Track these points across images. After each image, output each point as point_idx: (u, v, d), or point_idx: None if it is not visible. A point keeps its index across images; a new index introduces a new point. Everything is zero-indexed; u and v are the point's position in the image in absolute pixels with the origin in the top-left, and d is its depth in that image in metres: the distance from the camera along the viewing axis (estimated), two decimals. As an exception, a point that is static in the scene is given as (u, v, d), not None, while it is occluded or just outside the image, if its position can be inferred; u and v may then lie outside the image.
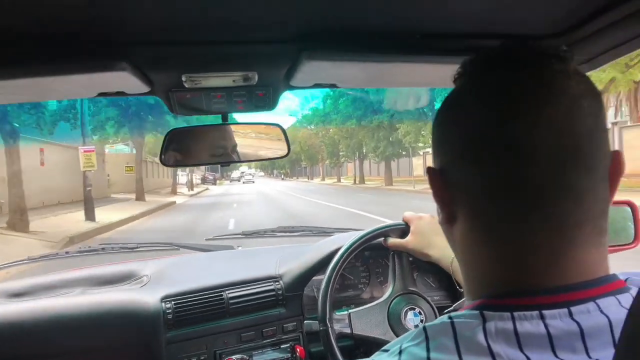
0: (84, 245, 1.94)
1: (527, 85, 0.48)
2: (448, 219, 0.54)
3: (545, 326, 0.44)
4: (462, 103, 0.52)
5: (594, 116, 0.48)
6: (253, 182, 54.92)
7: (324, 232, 2.13)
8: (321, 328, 1.28)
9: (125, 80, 0.92)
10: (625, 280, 0.50)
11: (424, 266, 1.59)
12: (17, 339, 1.34)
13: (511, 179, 0.47)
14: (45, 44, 0.82)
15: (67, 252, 1.90)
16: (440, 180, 0.54)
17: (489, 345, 0.44)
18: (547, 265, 0.47)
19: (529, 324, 0.45)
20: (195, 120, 1.41)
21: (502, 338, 0.44)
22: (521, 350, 0.44)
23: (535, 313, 0.45)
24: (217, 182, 58.61)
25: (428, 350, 0.46)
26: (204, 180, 49.20)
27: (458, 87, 0.54)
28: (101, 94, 1.02)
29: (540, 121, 0.46)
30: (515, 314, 0.45)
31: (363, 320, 1.33)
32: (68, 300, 1.46)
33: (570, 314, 0.45)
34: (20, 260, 1.87)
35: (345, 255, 1.35)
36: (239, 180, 58.43)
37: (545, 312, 0.45)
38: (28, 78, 0.85)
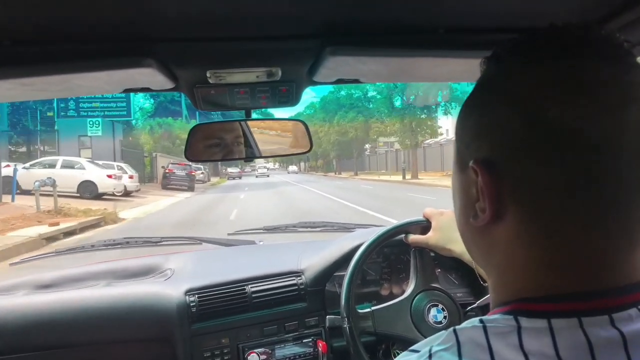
0: (109, 239, 1.97)
1: (613, 79, 0.44)
2: (493, 218, 0.47)
3: (585, 334, 0.42)
4: (523, 89, 0.45)
5: None
6: (267, 175, 52.00)
7: (345, 228, 2.13)
8: (345, 325, 1.28)
9: (150, 77, 0.93)
10: None
11: (446, 263, 1.58)
12: (43, 329, 1.37)
13: (590, 178, 0.43)
14: (73, 42, 0.83)
15: (92, 246, 1.94)
16: (489, 174, 0.46)
17: (524, 353, 0.42)
18: (603, 270, 0.44)
19: (567, 332, 0.42)
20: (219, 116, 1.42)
21: (538, 346, 0.42)
22: (559, 359, 0.41)
23: (573, 320, 0.42)
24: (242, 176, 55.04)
25: (460, 355, 0.44)
26: (229, 177, 44.65)
27: (510, 69, 0.48)
28: (127, 90, 1.03)
29: (627, 120, 0.42)
30: (553, 320, 0.42)
31: (386, 317, 1.33)
32: (94, 292, 1.49)
33: (612, 321, 0.42)
34: (48, 253, 1.91)
35: (367, 251, 1.35)
36: (268, 175, 53.48)
37: (585, 319, 0.42)
38: (56, 75, 0.87)
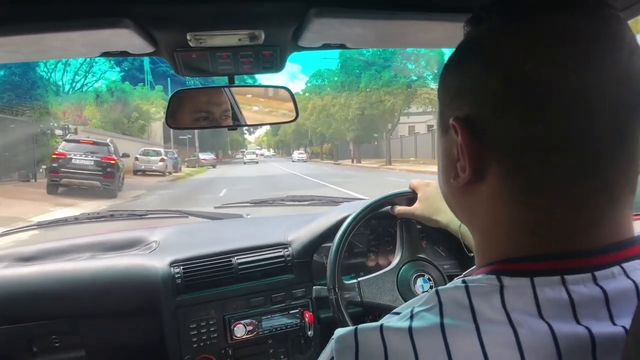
0: (94, 211, 1.94)
1: (590, 33, 0.43)
2: (474, 177, 0.47)
3: (567, 292, 0.42)
4: (502, 46, 0.45)
5: None
6: (256, 162, 45.36)
7: (333, 201, 2.12)
8: (331, 296, 1.28)
9: (128, 39, 0.90)
10: None
11: (433, 235, 1.58)
12: (26, 302, 1.36)
13: (570, 133, 0.42)
14: (46, 0, 0.79)
15: (76, 218, 1.91)
16: (468, 132, 0.46)
17: (506, 312, 0.42)
18: (585, 228, 0.44)
19: (550, 290, 0.42)
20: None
21: (520, 304, 0.42)
22: (541, 317, 0.41)
23: (556, 278, 0.42)
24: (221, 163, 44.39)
25: (442, 315, 0.44)
26: (199, 164, 35.65)
27: (490, 28, 0.47)
28: (104, 54, 1.00)
29: (604, 73, 0.42)
30: (535, 279, 0.42)
31: (372, 287, 1.33)
32: (77, 265, 1.47)
33: (595, 279, 0.42)
34: (30, 226, 1.88)
35: (353, 223, 1.34)
36: (257, 162, 46.49)
37: (568, 277, 0.42)
38: (28, 35, 0.83)
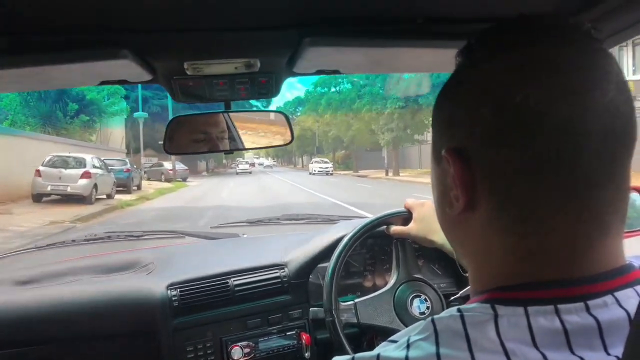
0: (91, 233, 1.95)
1: (578, 63, 0.44)
2: (467, 207, 0.48)
3: (561, 321, 0.42)
4: (491, 77, 0.46)
5: (632, 99, 0.45)
6: (249, 172, 42.41)
7: (329, 219, 2.13)
8: (328, 318, 1.28)
9: (127, 69, 0.92)
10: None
11: (429, 254, 1.58)
12: (24, 326, 1.35)
13: (560, 162, 0.42)
14: (46, 33, 0.81)
15: (73, 240, 1.92)
16: (461, 163, 0.47)
17: (501, 342, 0.42)
18: (577, 257, 0.44)
19: (544, 319, 0.42)
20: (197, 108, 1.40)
21: (515, 334, 0.42)
22: (536, 346, 0.41)
23: (549, 307, 0.42)
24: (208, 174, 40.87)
25: (437, 345, 0.44)
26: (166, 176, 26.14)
27: (479, 59, 0.48)
28: (103, 82, 1.02)
29: (593, 102, 0.42)
30: (529, 308, 0.43)
31: (369, 309, 1.33)
32: (74, 288, 1.47)
33: (587, 308, 0.42)
34: (28, 248, 1.88)
35: (349, 243, 1.35)
36: (250, 172, 43.24)
37: (561, 307, 0.42)
38: (29, 67, 0.85)
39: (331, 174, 34.73)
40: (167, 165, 27.62)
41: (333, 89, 36.31)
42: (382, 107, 27.60)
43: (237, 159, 53.32)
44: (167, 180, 26.14)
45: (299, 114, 52.00)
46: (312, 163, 40.16)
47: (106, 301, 1.41)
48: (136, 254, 1.73)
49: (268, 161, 65.17)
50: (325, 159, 39.99)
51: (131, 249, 1.86)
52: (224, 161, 59.49)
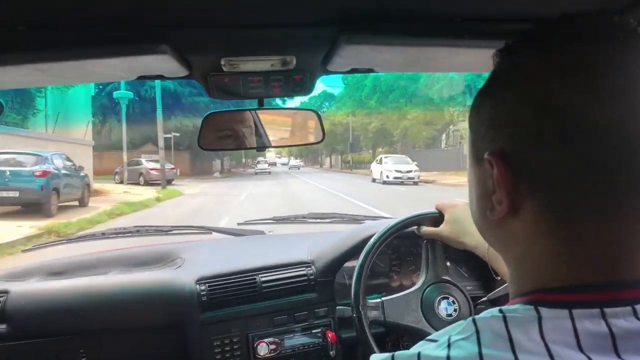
0: (120, 227, 1.98)
1: (623, 63, 0.43)
2: (510, 210, 0.47)
3: (608, 325, 0.41)
4: (534, 78, 0.45)
5: None
6: (269, 172, 39.29)
7: (355, 219, 2.12)
8: (354, 315, 1.28)
9: (165, 64, 0.93)
10: None
11: (456, 255, 1.57)
12: (55, 316, 1.38)
13: (606, 164, 0.42)
14: (87, 28, 0.83)
15: (103, 233, 1.95)
16: (505, 166, 0.46)
17: (545, 344, 0.41)
18: (621, 260, 0.44)
19: (589, 323, 0.41)
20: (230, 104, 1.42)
21: (559, 336, 0.41)
22: (581, 350, 0.41)
23: (595, 311, 0.42)
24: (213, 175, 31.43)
25: (479, 345, 0.44)
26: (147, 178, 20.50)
27: (521, 60, 0.47)
28: (141, 77, 1.03)
29: (636, 102, 0.42)
30: (574, 311, 0.42)
31: (396, 308, 1.32)
32: (105, 280, 1.50)
33: (635, 313, 0.41)
34: (59, 240, 1.93)
35: (378, 242, 1.34)
36: (269, 173, 39.09)
37: (607, 310, 0.41)
38: (71, 61, 0.87)
39: (416, 181, 21.79)
40: (147, 163, 21.02)
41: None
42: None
43: (258, 158, 48.48)
44: (149, 183, 19.63)
45: (325, 110, 50.17)
46: (381, 163, 23.61)
47: (135, 294, 1.44)
48: (165, 248, 1.75)
49: (294, 161, 54.49)
50: (408, 159, 24.23)
51: (159, 243, 1.88)
52: (243, 160, 55.86)
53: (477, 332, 0.45)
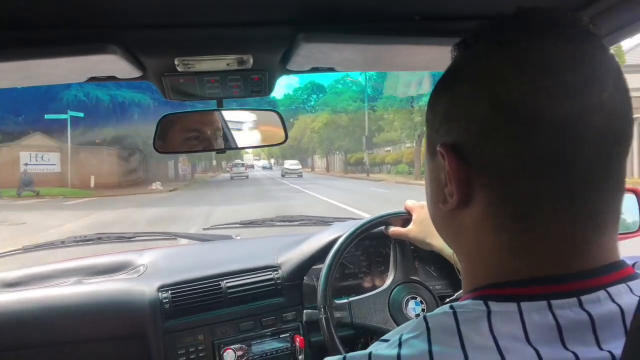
0: (80, 234, 1.92)
1: (576, 60, 0.43)
2: (461, 203, 0.48)
3: (554, 317, 0.42)
4: (489, 73, 0.45)
5: (630, 97, 0.45)
6: (246, 176, 35.26)
7: (323, 221, 2.11)
8: (321, 316, 1.27)
9: (116, 65, 0.89)
10: (633, 265, 0.48)
11: (424, 255, 1.57)
12: (11, 329, 1.33)
13: (557, 160, 0.42)
14: (33, 26, 0.79)
15: (62, 242, 1.88)
16: (456, 158, 0.47)
17: (494, 338, 0.42)
18: (570, 254, 0.44)
19: (537, 315, 0.42)
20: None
21: (508, 330, 0.42)
22: (529, 342, 0.41)
23: (543, 303, 0.42)
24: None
25: (430, 342, 0.44)
26: None
27: (477, 55, 0.47)
28: (91, 79, 0.99)
29: (591, 101, 0.42)
30: (522, 304, 0.42)
31: (363, 308, 1.32)
32: (63, 290, 1.44)
33: (580, 304, 0.42)
34: (15, 250, 1.85)
35: (346, 242, 1.33)
36: (245, 177, 35.03)
37: (554, 302, 0.42)
38: (14, 62, 0.82)
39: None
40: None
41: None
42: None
43: (235, 160, 42.33)
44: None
45: (312, 102, 43.43)
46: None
47: (95, 304, 1.39)
48: (127, 255, 1.70)
49: (291, 163, 39.13)
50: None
51: (122, 250, 1.82)
52: (214, 162, 50.20)
53: (428, 329, 0.45)
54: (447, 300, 1.38)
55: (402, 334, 0.47)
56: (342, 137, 36.84)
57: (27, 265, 1.67)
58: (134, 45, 0.87)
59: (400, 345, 0.45)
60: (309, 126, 39.53)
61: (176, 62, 0.94)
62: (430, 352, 0.43)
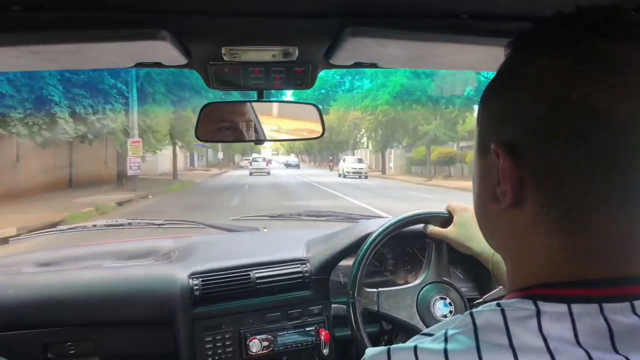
0: (112, 219, 1.95)
1: (637, 59, 0.42)
2: (514, 203, 0.46)
3: (606, 320, 0.41)
4: (547, 72, 0.44)
5: None
6: (267, 173, 29.89)
7: (350, 217, 2.11)
8: (349, 300, 1.28)
9: (163, 51, 0.90)
10: None
11: (453, 257, 1.56)
12: (45, 308, 1.36)
13: (616, 163, 0.41)
14: (86, 10, 0.81)
15: (94, 225, 1.92)
16: (511, 157, 0.46)
17: (544, 338, 0.41)
18: (623, 258, 0.43)
19: (588, 318, 0.41)
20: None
21: (558, 331, 0.41)
22: (579, 345, 0.40)
23: (594, 306, 0.41)
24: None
25: (477, 338, 0.43)
26: None
27: (534, 53, 0.46)
28: (138, 65, 1.01)
29: None
30: (573, 305, 0.42)
31: (391, 300, 1.32)
32: (96, 273, 1.47)
33: (633, 308, 0.41)
34: (49, 230, 1.89)
35: (385, 232, 1.34)
36: (267, 173, 29.85)
37: (606, 306, 0.41)
38: (67, 44, 0.84)
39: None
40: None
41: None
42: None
43: (253, 154, 38.81)
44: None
45: (347, 85, 38.03)
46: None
47: (127, 287, 1.41)
48: (157, 242, 1.73)
49: (354, 162, 30.23)
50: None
51: (152, 237, 1.85)
52: (220, 155, 39.18)
53: (475, 325, 0.45)
54: (475, 302, 1.37)
55: (447, 329, 0.46)
56: (395, 128, 29.13)
57: (60, 246, 1.71)
58: (182, 32, 0.88)
59: (446, 340, 0.45)
60: (348, 116, 33.68)
61: (223, 51, 0.95)
62: (478, 348, 0.43)
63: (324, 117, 1.27)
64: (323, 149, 43.09)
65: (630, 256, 0.43)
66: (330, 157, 40.93)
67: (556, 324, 0.42)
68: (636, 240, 0.43)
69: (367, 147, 38.33)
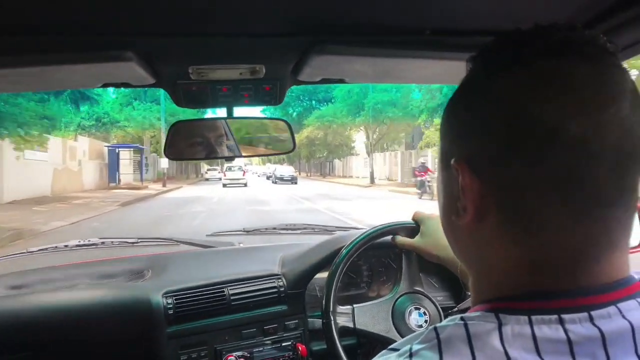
0: (85, 239, 1.92)
1: (593, 79, 0.43)
2: (474, 218, 0.47)
3: (565, 331, 0.42)
4: (506, 89, 0.45)
5: None
6: (244, 184, 27.68)
7: (326, 230, 2.11)
8: (324, 320, 1.27)
9: (130, 71, 0.91)
10: None
11: (427, 266, 1.57)
12: (15, 332, 1.32)
13: (571, 177, 0.42)
14: (50, 34, 0.80)
15: (66, 246, 1.88)
16: (470, 173, 0.47)
17: (505, 350, 0.42)
18: (582, 269, 0.44)
19: (548, 329, 0.42)
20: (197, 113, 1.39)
21: (519, 343, 0.42)
22: (539, 356, 0.41)
23: (554, 317, 0.42)
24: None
25: (441, 354, 0.44)
26: None
27: (494, 70, 0.47)
28: (105, 85, 1.01)
29: (607, 119, 0.42)
30: (533, 317, 0.43)
31: (366, 315, 1.32)
32: (68, 294, 1.45)
33: (591, 319, 0.42)
34: (19, 253, 1.85)
35: (353, 250, 1.33)
36: (244, 185, 27.75)
37: (565, 317, 0.42)
38: (31, 67, 0.84)
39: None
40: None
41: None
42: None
43: (226, 164, 29.55)
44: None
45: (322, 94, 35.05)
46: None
47: (101, 308, 1.39)
48: (130, 260, 1.70)
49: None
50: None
51: (125, 255, 1.83)
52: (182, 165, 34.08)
53: (439, 340, 0.45)
54: (450, 311, 1.38)
55: (412, 344, 0.47)
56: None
57: (32, 268, 1.68)
58: (149, 52, 0.88)
59: (411, 355, 0.45)
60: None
61: (190, 70, 0.95)
62: None
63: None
64: (309, 156, 41.03)
65: (589, 269, 0.44)
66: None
67: (517, 335, 0.42)
68: (593, 252, 0.44)
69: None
